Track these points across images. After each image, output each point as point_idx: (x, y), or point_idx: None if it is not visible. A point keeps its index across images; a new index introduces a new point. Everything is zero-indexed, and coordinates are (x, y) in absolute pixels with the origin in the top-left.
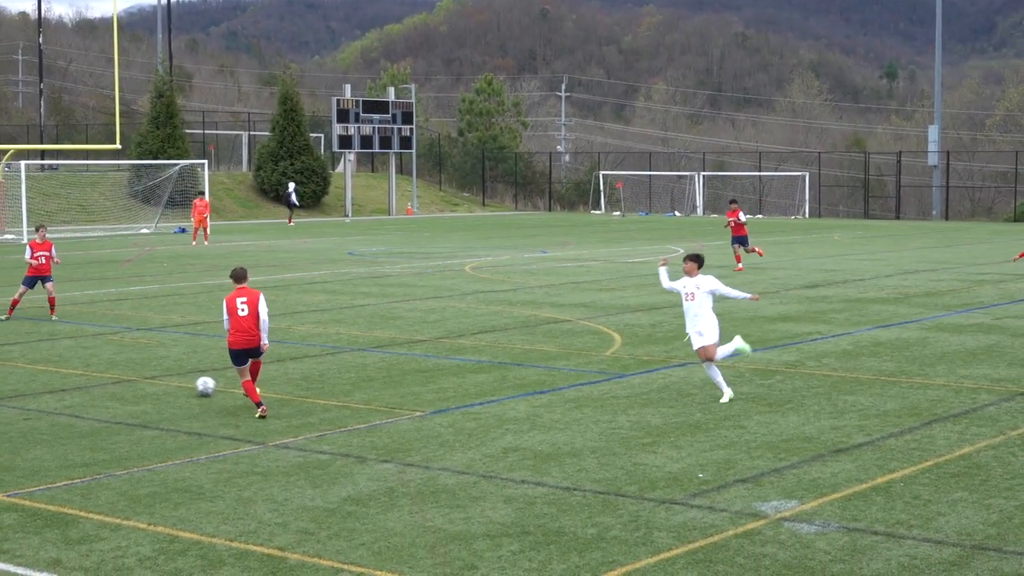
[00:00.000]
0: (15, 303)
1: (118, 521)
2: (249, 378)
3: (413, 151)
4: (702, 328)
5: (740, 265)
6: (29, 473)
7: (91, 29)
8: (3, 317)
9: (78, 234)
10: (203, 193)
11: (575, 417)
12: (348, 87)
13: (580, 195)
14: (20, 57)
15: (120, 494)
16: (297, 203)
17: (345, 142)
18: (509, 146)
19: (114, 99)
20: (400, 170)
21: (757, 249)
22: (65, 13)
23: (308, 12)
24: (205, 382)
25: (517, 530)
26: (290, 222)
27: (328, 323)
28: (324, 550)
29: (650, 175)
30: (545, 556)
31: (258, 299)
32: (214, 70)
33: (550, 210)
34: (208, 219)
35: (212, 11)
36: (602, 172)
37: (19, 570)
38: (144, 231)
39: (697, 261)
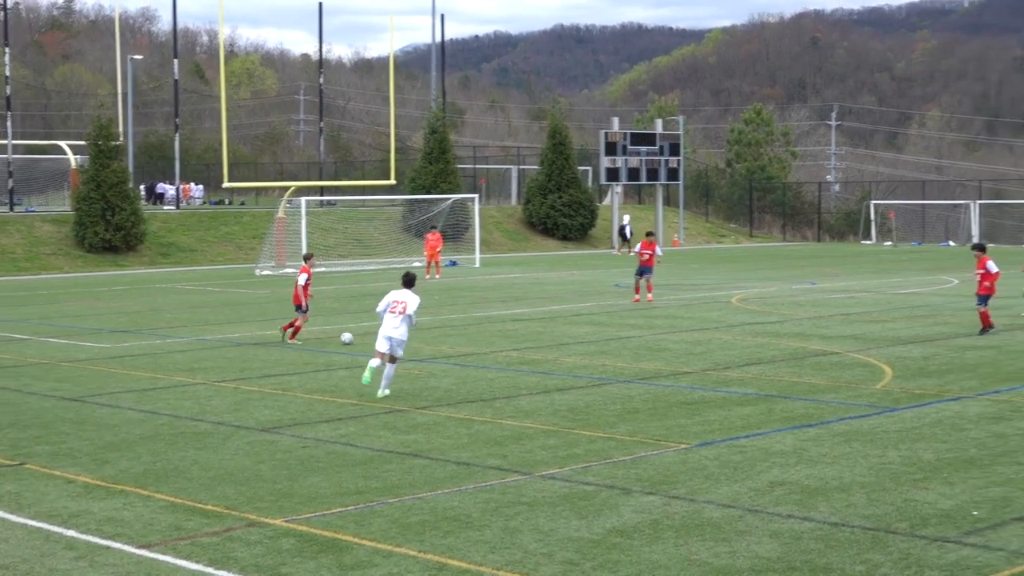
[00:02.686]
0: (298, 329)
1: (390, 548)
2: None
3: (680, 183)
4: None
5: (638, 297)
6: (306, 499)
7: (368, 69)
8: (298, 343)
9: (354, 267)
10: (435, 227)
11: (843, 451)
12: (616, 120)
13: (850, 225)
14: (302, 97)
15: (392, 521)
16: (629, 236)
17: (613, 175)
18: (778, 176)
19: (389, 136)
20: (667, 202)
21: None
22: (344, 54)
23: (577, 46)
24: (348, 336)
25: (783, 566)
26: (629, 251)
27: (594, 355)
28: None
29: (923, 204)
30: None
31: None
32: (485, 106)
33: (819, 240)
34: (440, 253)
35: (484, 48)
36: (873, 201)
37: None
38: (416, 264)
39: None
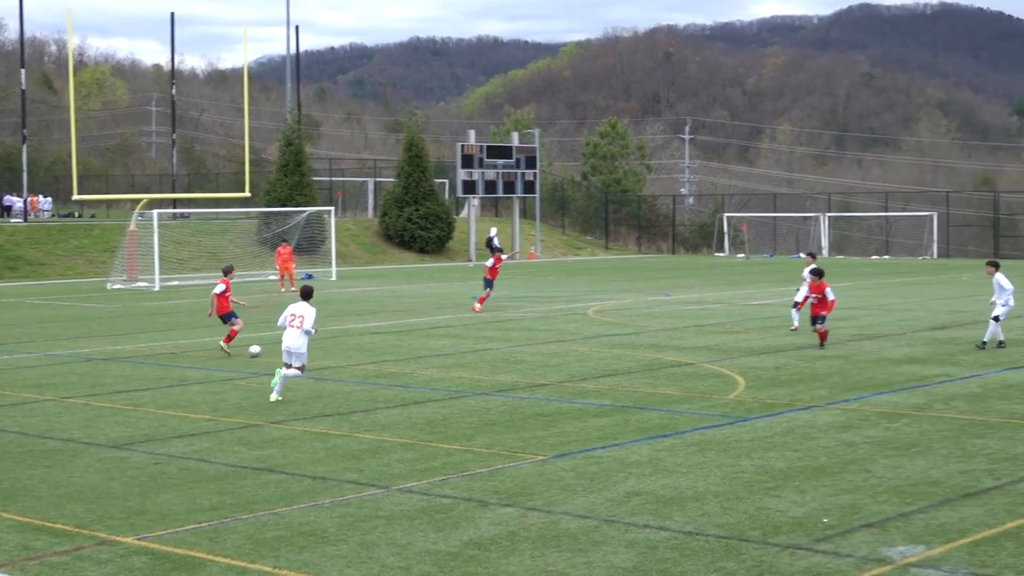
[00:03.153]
0: (234, 334)
1: (244, 564)
2: None
3: (537, 195)
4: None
5: (478, 307)
6: (158, 517)
7: (222, 80)
8: (227, 351)
9: (208, 281)
10: (286, 240)
11: (698, 461)
12: (472, 132)
13: (704, 237)
14: (153, 108)
15: (246, 537)
16: (499, 246)
17: (469, 187)
18: (633, 189)
19: (244, 148)
20: (524, 214)
21: (480, 303)
22: (197, 65)
23: (433, 59)
24: (256, 349)
25: (639, 575)
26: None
27: (451, 367)
28: None
29: (775, 216)
30: None
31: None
32: (341, 118)
33: (674, 253)
34: (293, 266)
35: (339, 60)
36: (726, 214)
37: None
38: (272, 277)
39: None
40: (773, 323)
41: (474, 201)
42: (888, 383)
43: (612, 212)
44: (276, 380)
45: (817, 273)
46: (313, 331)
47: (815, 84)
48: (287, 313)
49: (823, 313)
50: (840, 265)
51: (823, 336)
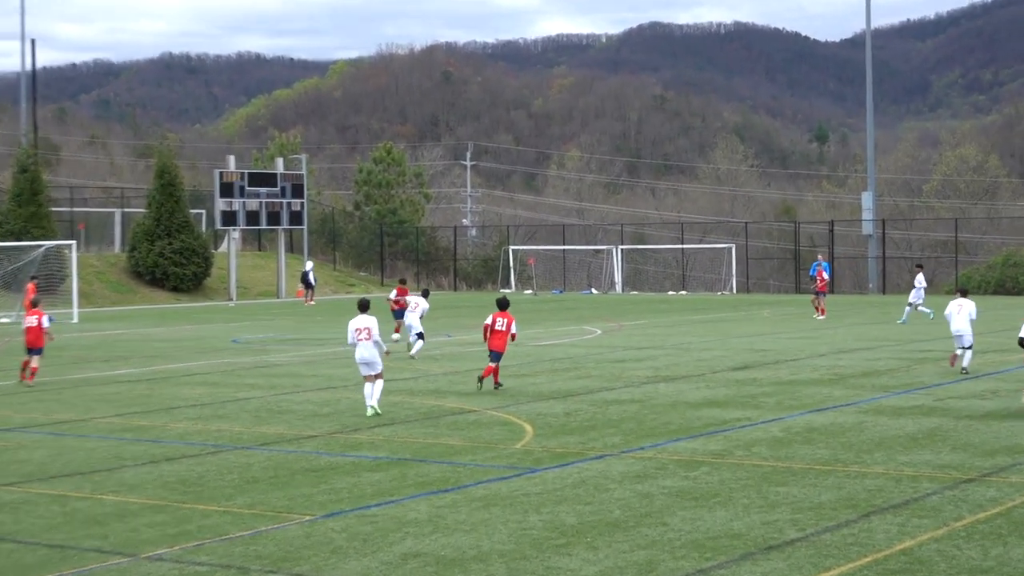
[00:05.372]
0: (35, 370)
1: None
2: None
3: (304, 227)
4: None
5: (397, 336)
6: None
7: None
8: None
9: None
10: (35, 278)
11: (482, 517)
12: (232, 158)
13: (488, 272)
14: None
15: None
16: (313, 282)
17: (229, 218)
18: (410, 220)
19: None
20: (290, 248)
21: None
22: None
23: (188, 77)
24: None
25: None
26: (309, 301)
27: (209, 419)
28: None
29: (564, 249)
30: None
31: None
32: (84, 141)
33: (455, 289)
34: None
35: (82, 78)
36: (512, 247)
37: None
38: (4, 320)
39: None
40: (563, 365)
41: (235, 234)
42: (686, 428)
43: (388, 245)
44: (371, 412)
45: (501, 304)
46: (383, 344)
47: (605, 107)
48: (351, 329)
49: (496, 349)
50: (634, 301)
51: (495, 373)
